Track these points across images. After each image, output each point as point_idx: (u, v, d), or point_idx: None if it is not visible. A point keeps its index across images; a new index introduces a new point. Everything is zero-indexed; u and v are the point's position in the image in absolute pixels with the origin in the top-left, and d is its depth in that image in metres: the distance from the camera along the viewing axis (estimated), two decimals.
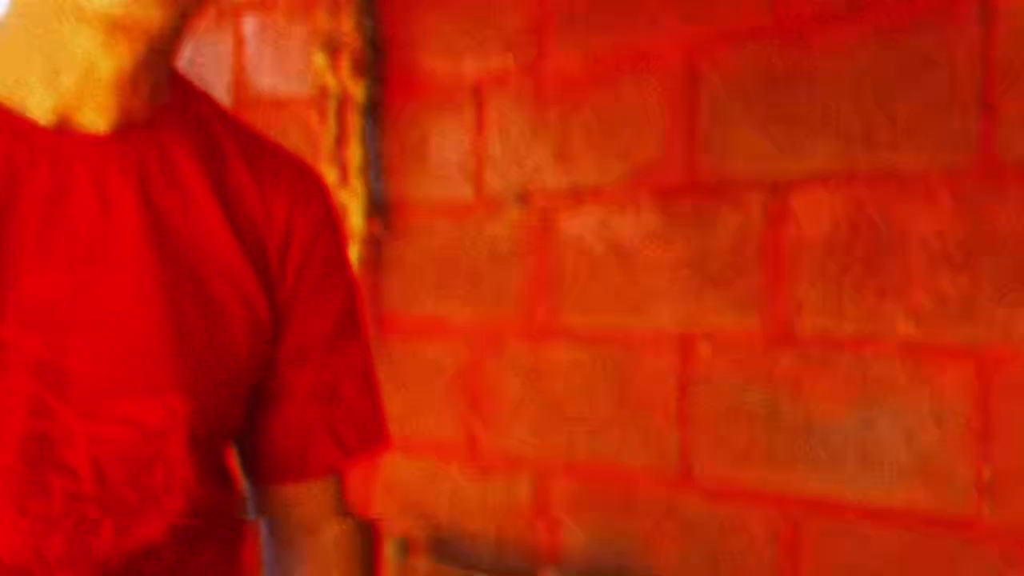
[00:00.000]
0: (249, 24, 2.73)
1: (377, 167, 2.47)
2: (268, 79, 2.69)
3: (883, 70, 1.77)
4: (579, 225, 2.13)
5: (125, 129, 1.00)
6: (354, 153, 2.47)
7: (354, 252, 2.40)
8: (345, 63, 2.46)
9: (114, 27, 0.92)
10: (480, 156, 2.30)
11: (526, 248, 2.22)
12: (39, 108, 0.97)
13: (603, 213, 2.09)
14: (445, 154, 2.36)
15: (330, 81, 2.48)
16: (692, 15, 1.97)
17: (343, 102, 2.48)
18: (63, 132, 0.97)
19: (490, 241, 2.27)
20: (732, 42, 1.93)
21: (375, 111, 2.47)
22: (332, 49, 2.48)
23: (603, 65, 2.10)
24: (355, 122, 2.47)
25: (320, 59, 2.49)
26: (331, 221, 1.15)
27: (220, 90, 2.74)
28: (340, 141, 2.48)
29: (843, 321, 1.80)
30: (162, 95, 1.04)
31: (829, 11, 1.83)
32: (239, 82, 2.75)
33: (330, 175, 2.47)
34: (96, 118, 0.98)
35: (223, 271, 1.03)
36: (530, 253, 2.21)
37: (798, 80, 1.85)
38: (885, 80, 1.77)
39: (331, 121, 2.49)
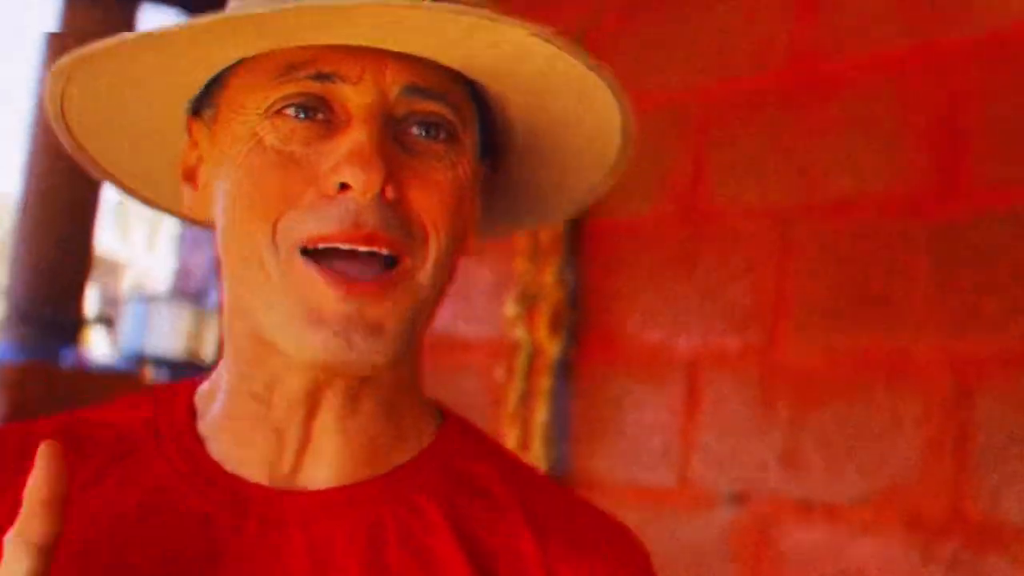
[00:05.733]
0: None
1: (564, 433, 2.25)
2: (448, 317, 2.52)
3: None
4: (806, 543, 1.86)
5: (360, 483, 0.82)
6: (540, 415, 2.25)
7: None
8: (542, 317, 2.27)
9: (326, 371, 0.79)
10: (688, 440, 2.07)
11: (738, 558, 1.95)
12: (260, 470, 0.81)
13: (838, 534, 1.82)
14: (644, 431, 2.13)
15: (522, 334, 2.29)
16: (961, 327, 1.75)
17: (534, 358, 2.28)
18: (281, 492, 0.81)
19: (694, 541, 2.01)
20: (1011, 364, 1.70)
21: (567, 372, 2.26)
22: (528, 300, 2.30)
23: (849, 366, 1.87)
24: (544, 382, 2.26)
25: (513, 309, 2.31)
26: None
27: None
28: (525, 400, 2.27)
29: None
30: (408, 436, 0.85)
31: None
32: None
33: (511, 436, 2.26)
34: (321, 471, 0.82)
35: None
36: (742, 564, 1.94)
37: None
38: None
39: (519, 378, 2.28)
